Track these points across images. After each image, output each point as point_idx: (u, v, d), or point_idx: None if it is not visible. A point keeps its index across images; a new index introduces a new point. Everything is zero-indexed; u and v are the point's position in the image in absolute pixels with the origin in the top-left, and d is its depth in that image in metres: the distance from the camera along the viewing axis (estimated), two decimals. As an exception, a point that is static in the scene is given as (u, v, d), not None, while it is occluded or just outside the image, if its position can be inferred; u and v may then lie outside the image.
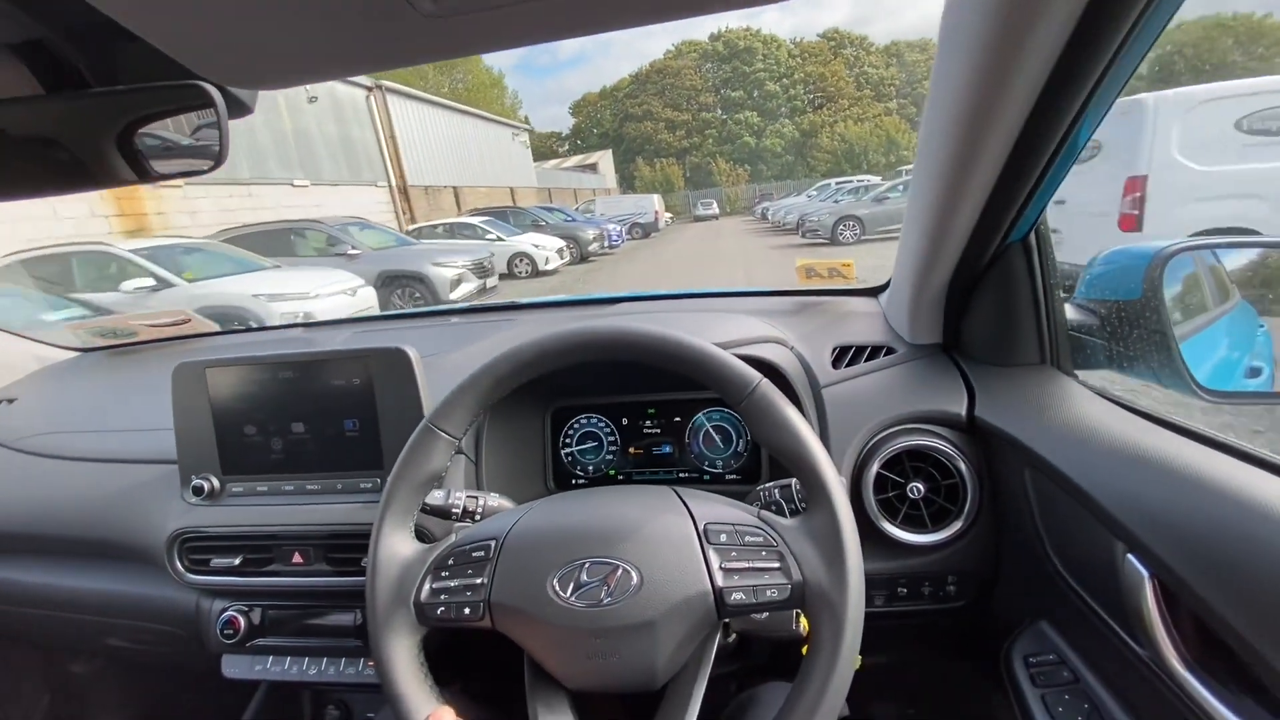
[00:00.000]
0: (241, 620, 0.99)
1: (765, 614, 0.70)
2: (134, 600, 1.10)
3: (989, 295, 0.88)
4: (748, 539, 0.62)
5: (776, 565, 0.61)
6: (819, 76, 57.67)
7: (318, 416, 0.96)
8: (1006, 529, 0.86)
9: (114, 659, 1.42)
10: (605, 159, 44.33)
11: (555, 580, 0.61)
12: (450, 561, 0.65)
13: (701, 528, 0.63)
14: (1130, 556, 0.61)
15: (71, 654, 1.44)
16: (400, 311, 1.66)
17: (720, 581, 0.60)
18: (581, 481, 1.13)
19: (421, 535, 0.71)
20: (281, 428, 0.97)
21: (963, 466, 0.86)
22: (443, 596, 0.64)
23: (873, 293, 1.25)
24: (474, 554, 0.65)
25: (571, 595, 0.61)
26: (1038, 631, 0.81)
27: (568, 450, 1.13)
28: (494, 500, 0.82)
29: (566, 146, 59.23)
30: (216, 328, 1.56)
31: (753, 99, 59.69)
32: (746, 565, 0.61)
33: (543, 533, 0.66)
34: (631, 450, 1.12)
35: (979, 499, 0.86)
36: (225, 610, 1.00)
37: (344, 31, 0.46)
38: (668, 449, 1.11)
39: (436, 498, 0.76)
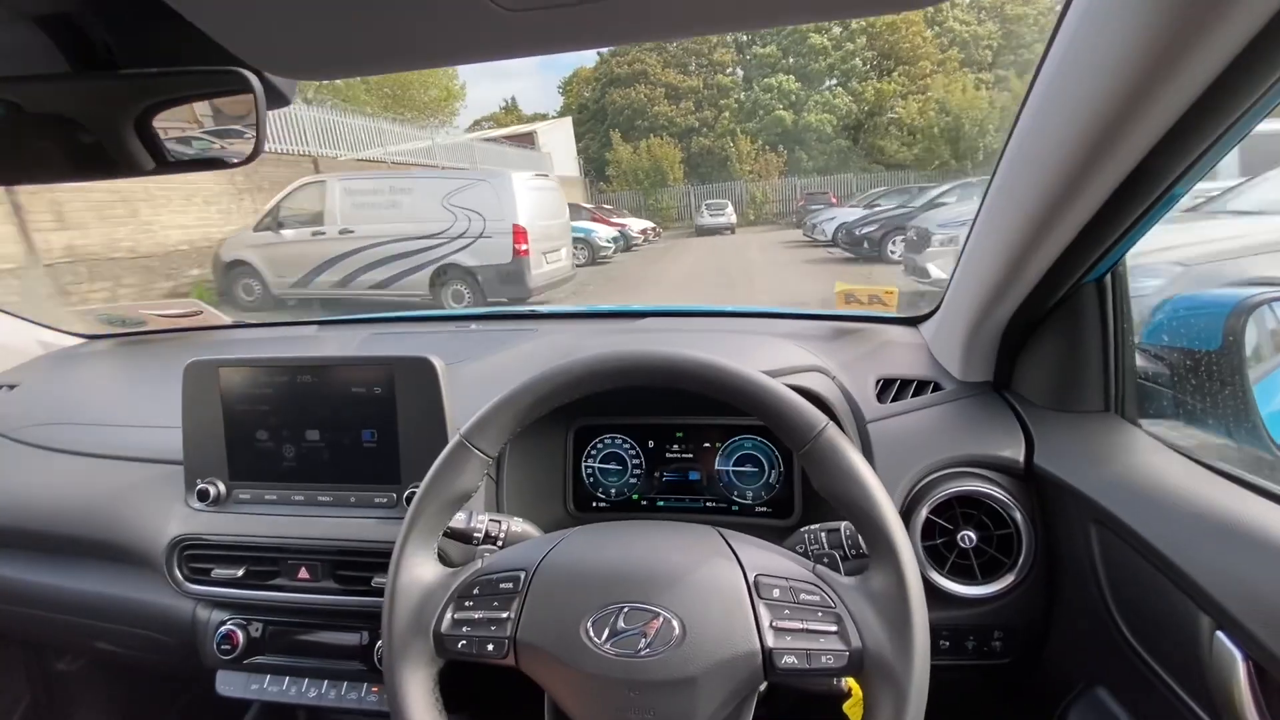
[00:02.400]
0: (240, 635, 0.94)
1: None
2: (126, 605, 1.05)
3: (1054, 335, 0.83)
4: (803, 596, 0.57)
5: (834, 629, 0.55)
6: (886, 29, 34.24)
7: (334, 425, 0.91)
8: (1063, 586, 0.80)
9: (101, 662, 1.37)
10: (556, 130, 27.51)
11: (589, 624, 0.56)
12: (475, 590, 0.60)
13: (752, 579, 0.57)
14: (1220, 634, 0.55)
15: (57, 653, 1.39)
16: (418, 314, 1.62)
17: (770, 641, 0.55)
18: (603, 504, 1.08)
19: (439, 558, 0.66)
20: (295, 434, 0.92)
21: (1018, 516, 0.81)
22: (465, 629, 0.59)
23: (912, 322, 1.20)
24: (501, 585, 0.60)
25: (606, 642, 0.55)
26: (1094, 699, 0.75)
27: (590, 471, 1.08)
28: (518, 525, 0.77)
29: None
30: (228, 320, 1.51)
31: (790, 59, 35.58)
32: (800, 626, 0.55)
33: (577, 569, 0.60)
34: (657, 475, 1.07)
35: (1034, 552, 0.81)
36: (224, 624, 0.95)
37: (409, 21, 0.41)
38: (695, 476, 1.06)
39: (458, 520, 0.72)
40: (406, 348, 0.90)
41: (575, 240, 8.86)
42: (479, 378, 1.06)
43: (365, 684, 0.94)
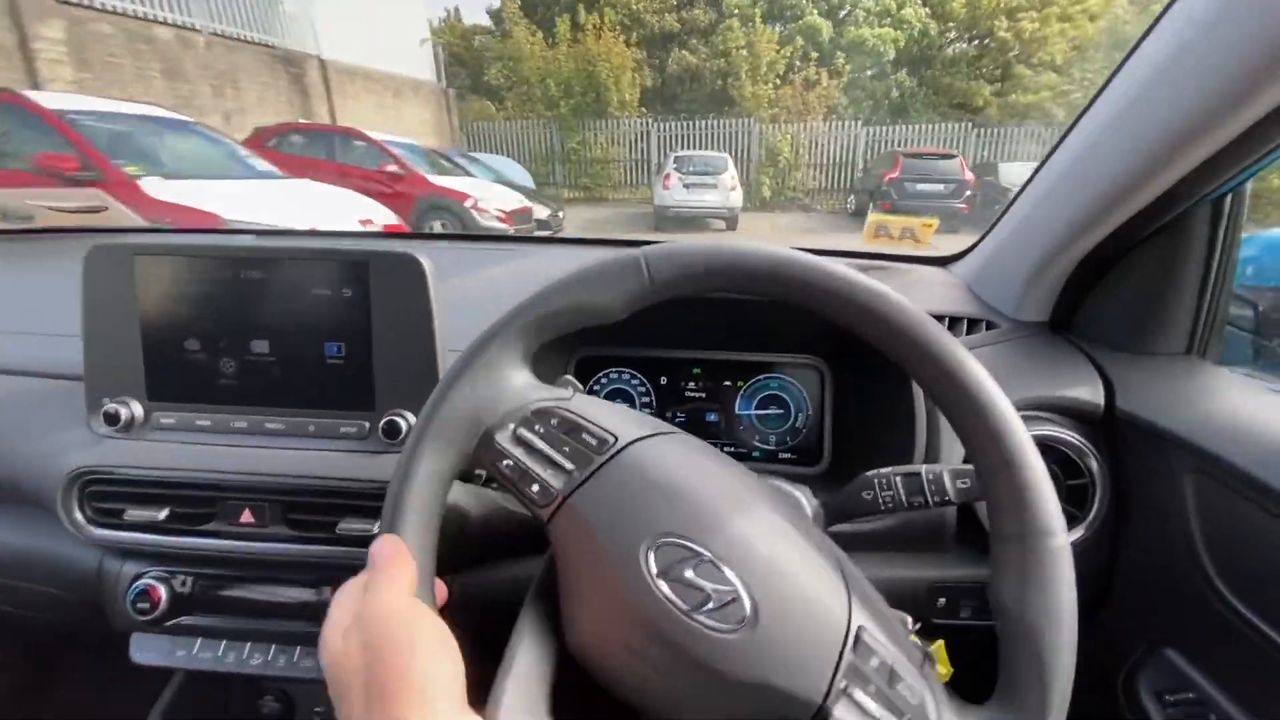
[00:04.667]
0: (162, 591, 0.76)
1: None
2: (11, 553, 0.85)
3: (1140, 267, 0.75)
4: (898, 689, 0.42)
5: None
6: None
7: (289, 334, 0.73)
8: (1134, 540, 0.73)
9: None
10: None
11: (653, 548, 0.43)
12: (553, 421, 0.47)
13: (854, 631, 0.43)
14: None
15: None
16: (379, 231, 1.41)
17: (834, 709, 0.40)
18: None
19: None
20: (237, 345, 0.74)
21: (1094, 465, 0.73)
22: (520, 451, 0.46)
23: (942, 262, 1.10)
24: (584, 435, 0.47)
25: (660, 577, 0.42)
26: (1164, 661, 0.69)
27: None
28: None
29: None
30: (141, 221, 1.26)
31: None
32: (875, 715, 0.41)
33: (668, 479, 0.46)
34: (669, 415, 0.94)
35: (1107, 503, 0.73)
36: (140, 577, 0.77)
37: None
38: (713, 417, 0.94)
39: None
40: (392, 246, 0.72)
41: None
42: (465, 294, 0.90)
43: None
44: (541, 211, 8.46)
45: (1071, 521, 0.74)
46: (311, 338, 0.73)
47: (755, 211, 12.64)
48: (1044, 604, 0.40)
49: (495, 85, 15.83)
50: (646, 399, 0.94)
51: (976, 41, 16.93)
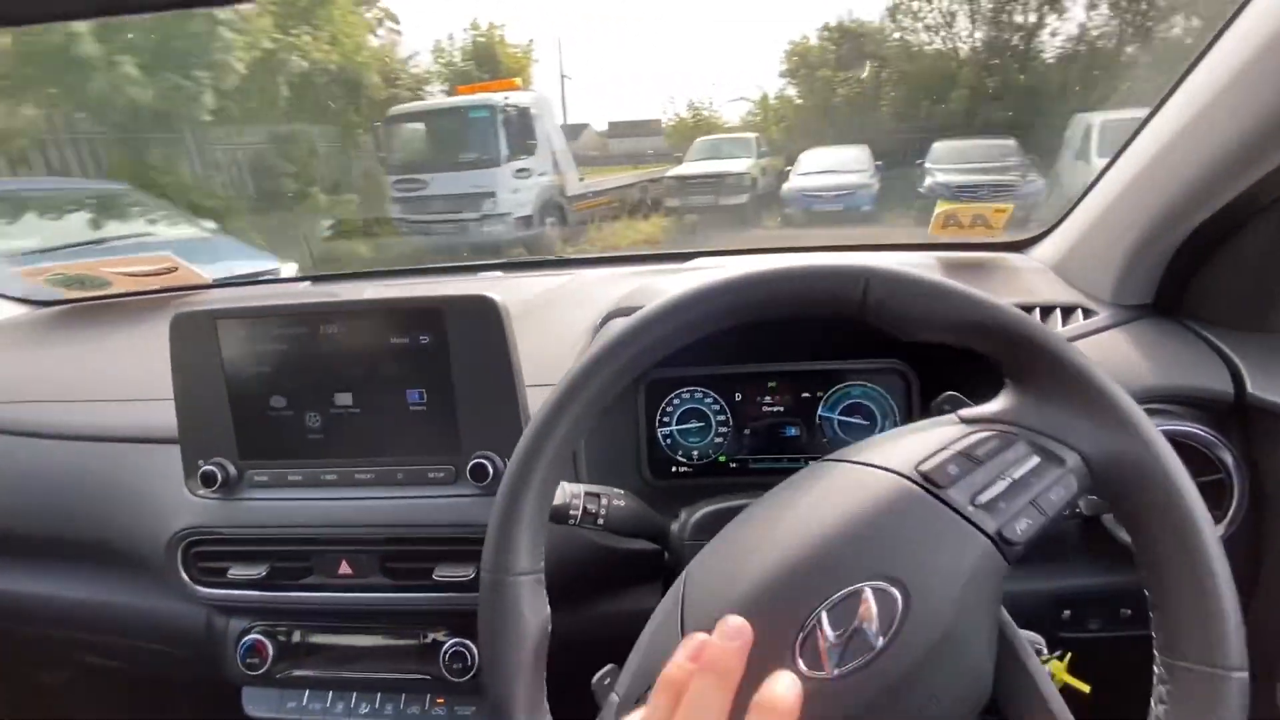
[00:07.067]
0: (269, 645, 0.77)
1: None
2: (121, 613, 0.87)
3: (1263, 238, 0.69)
4: (980, 450, 0.42)
5: (1036, 457, 0.42)
6: None
7: (370, 385, 0.73)
8: (1278, 536, 0.68)
9: (96, 672, 1.19)
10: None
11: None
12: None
13: (920, 476, 0.42)
14: None
15: (34, 666, 1.20)
16: (426, 266, 1.42)
17: (990, 524, 0.40)
18: (684, 469, 0.92)
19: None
20: (321, 399, 0.74)
21: (1229, 459, 0.67)
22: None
23: (1017, 248, 1.05)
24: None
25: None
26: None
27: (666, 431, 0.92)
28: (620, 499, 0.62)
29: None
30: (208, 279, 1.30)
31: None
32: (1005, 481, 0.41)
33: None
34: (746, 432, 0.92)
35: (1244, 500, 0.68)
36: (247, 632, 0.78)
37: None
38: (793, 431, 0.91)
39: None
40: (463, 289, 0.72)
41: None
42: (529, 327, 0.89)
43: (428, 695, 0.78)
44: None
45: None
46: (393, 387, 0.73)
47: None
48: None
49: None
50: (722, 417, 0.92)
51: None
